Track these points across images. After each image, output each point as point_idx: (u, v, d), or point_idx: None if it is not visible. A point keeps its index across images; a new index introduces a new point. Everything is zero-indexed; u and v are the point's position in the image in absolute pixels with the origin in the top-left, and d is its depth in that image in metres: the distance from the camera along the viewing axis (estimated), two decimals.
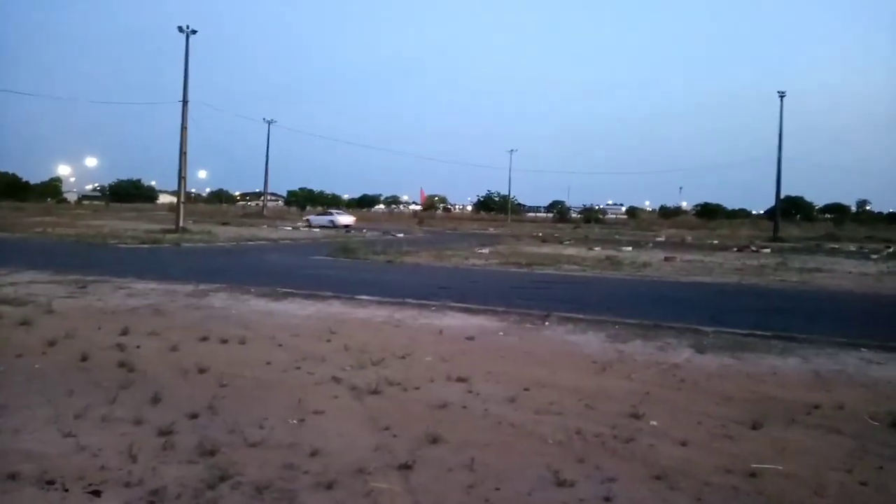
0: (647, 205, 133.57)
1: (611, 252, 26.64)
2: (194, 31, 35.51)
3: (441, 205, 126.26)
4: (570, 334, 9.01)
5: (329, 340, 8.01)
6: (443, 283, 14.85)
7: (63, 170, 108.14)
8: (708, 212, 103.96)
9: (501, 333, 8.94)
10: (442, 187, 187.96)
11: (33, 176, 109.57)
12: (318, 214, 53.22)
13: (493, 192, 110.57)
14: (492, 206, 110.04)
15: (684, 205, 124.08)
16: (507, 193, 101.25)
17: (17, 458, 3.99)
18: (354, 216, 56.16)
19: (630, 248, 30.53)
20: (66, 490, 3.60)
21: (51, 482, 3.68)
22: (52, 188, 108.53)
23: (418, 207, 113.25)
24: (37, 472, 3.79)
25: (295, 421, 4.95)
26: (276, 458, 4.16)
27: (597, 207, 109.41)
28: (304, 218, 52.51)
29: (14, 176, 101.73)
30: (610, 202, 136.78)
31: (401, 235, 39.68)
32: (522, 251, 26.67)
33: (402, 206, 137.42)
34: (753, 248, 32.58)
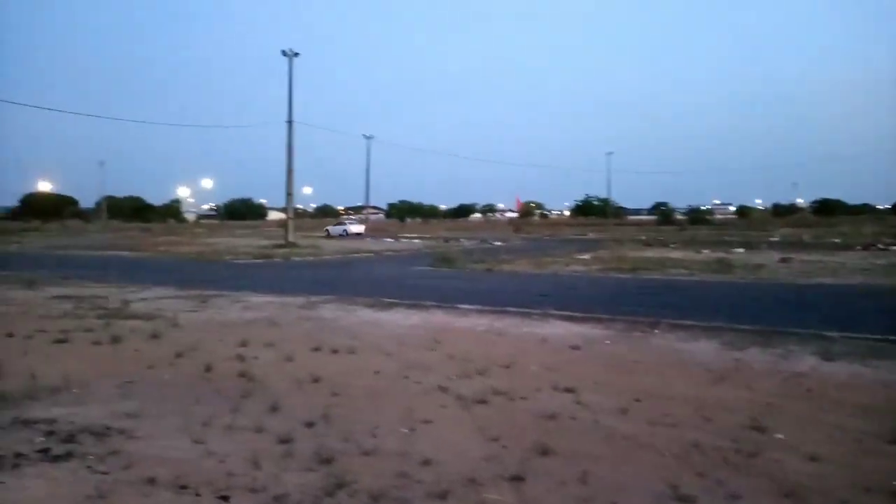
0: (759, 203, 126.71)
1: (721, 254, 25.36)
2: (297, 54, 37.27)
3: (537, 211, 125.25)
4: (681, 342, 8.65)
5: (433, 349, 8.11)
6: (544, 291, 14.67)
7: (182, 191, 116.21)
8: (826, 208, 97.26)
9: (608, 342, 8.72)
10: (538, 194, 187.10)
11: (156, 198, 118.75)
12: (335, 225, 58.39)
13: (591, 196, 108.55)
14: (590, 210, 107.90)
15: (799, 202, 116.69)
16: (605, 197, 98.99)
17: (154, 463, 4.30)
18: (448, 226, 57.15)
19: (742, 250, 28.97)
20: (198, 495, 3.83)
21: (184, 487, 3.93)
22: (172, 209, 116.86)
23: (514, 215, 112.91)
24: (171, 477, 4.06)
25: (405, 430, 5.04)
26: (389, 467, 4.24)
27: (703, 208, 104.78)
28: (325, 228, 57.61)
29: (140, 199, 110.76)
30: (717, 202, 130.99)
31: (498, 244, 39.66)
32: (626, 256, 25.90)
33: (497, 215, 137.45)
34: (880, 247, 29.98)
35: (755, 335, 8.85)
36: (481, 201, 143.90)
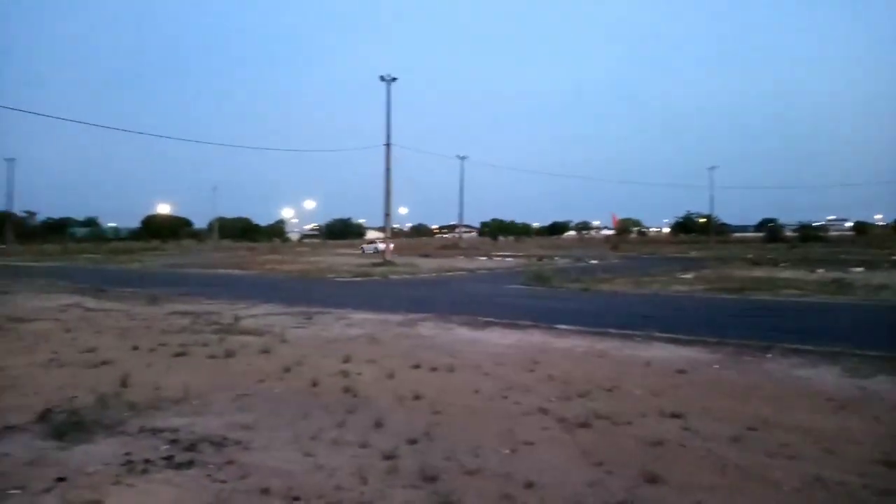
0: (879, 219, 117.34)
1: (838, 274, 23.70)
2: (394, 79, 38.35)
3: (635, 228, 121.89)
4: (797, 368, 8.13)
5: (532, 370, 8.03)
6: (645, 312, 14.23)
7: (286, 212, 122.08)
8: None
9: (716, 366, 8.32)
10: (634, 210, 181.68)
11: (263, 219, 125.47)
12: (367, 244, 66.26)
13: (692, 212, 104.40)
14: (691, 227, 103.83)
15: None
16: (708, 213, 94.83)
17: (268, 474, 4.50)
18: (541, 244, 57.15)
19: (861, 269, 26.95)
20: None
21: (296, 499, 4.09)
22: (277, 229, 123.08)
23: (611, 232, 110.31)
24: (284, 489, 4.23)
25: (507, 451, 5.01)
26: (492, 488, 4.24)
27: (816, 224, 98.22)
28: (360, 247, 65.57)
29: (248, 220, 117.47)
30: (831, 217, 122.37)
31: (594, 262, 38.89)
32: (732, 275, 24.70)
33: (593, 232, 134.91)
34: None
35: (881, 361, 8.19)
36: (575, 219, 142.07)
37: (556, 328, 11.54)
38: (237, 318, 13.01)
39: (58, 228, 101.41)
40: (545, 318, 12.71)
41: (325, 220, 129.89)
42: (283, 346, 9.94)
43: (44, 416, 5.90)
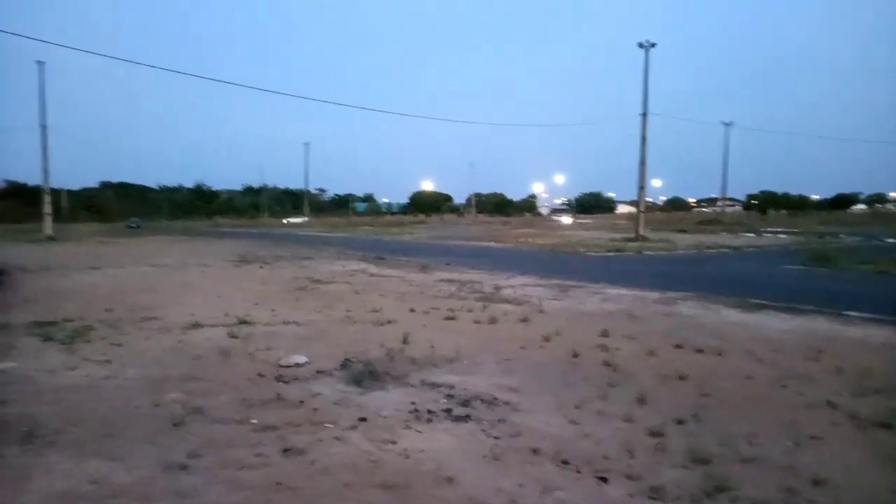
0: None
1: None
2: (653, 45, 36.51)
3: None
4: None
5: (817, 360, 7.22)
6: None
7: (537, 187, 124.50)
8: None
9: None
10: None
11: (515, 194, 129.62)
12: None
13: None
14: None
15: None
16: None
17: (537, 436, 4.74)
18: (822, 219, 50.14)
19: None
20: (579, 472, 4.11)
21: (565, 462, 4.26)
22: (529, 204, 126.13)
23: None
24: (553, 451, 4.43)
25: (790, 443, 4.62)
26: (772, 479, 3.96)
27: None
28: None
29: (502, 195, 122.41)
30: None
31: (891, 240, 33.18)
32: None
33: (890, 206, 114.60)
34: None
35: None
36: (866, 190, 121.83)
37: (846, 315, 10.17)
38: (497, 288, 13.72)
39: (342, 204, 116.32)
40: (830, 303, 11.25)
41: (574, 194, 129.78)
42: (541, 316, 10.25)
43: (344, 364, 6.90)
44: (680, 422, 5.05)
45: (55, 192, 51.25)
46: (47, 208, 41.49)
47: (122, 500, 3.70)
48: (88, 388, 6.06)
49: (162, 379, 6.35)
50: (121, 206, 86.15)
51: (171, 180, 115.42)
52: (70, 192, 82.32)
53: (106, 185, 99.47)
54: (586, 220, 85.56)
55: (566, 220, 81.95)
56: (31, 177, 66.98)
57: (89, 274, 17.14)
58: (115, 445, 4.54)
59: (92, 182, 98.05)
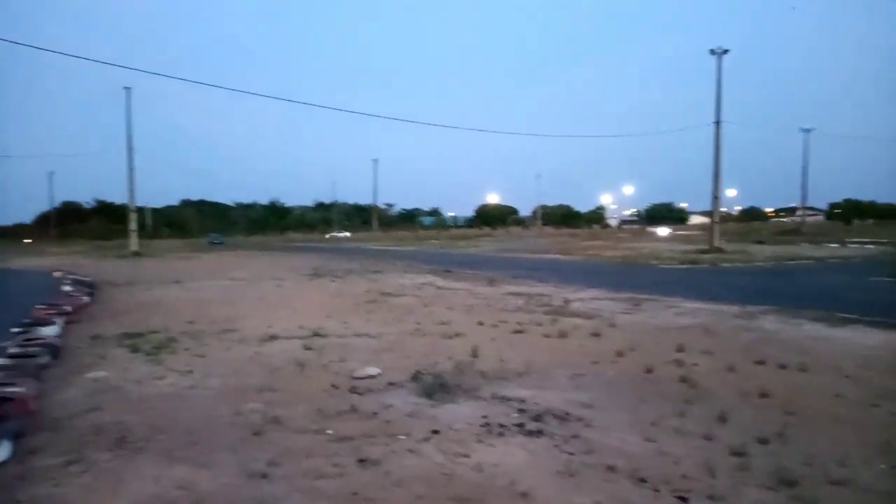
0: None
1: None
2: (726, 52, 35.41)
3: None
4: None
5: None
6: None
7: (605, 199, 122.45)
8: None
9: None
10: None
11: (582, 205, 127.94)
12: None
13: None
14: None
15: None
16: None
17: (612, 453, 4.65)
18: None
19: None
20: (657, 490, 4.00)
21: (642, 480, 4.16)
22: (596, 215, 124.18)
23: None
24: (629, 469, 4.34)
25: (883, 466, 4.37)
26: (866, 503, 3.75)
27: None
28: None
29: (568, 207, 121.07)
30: None
31: None
32: None
33: None
34: None
35: None
36: None
37: None
38: (566, 301, 13.55)
39: (409, 218, 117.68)
40: None
41: (644, 204, 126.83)
42: (613, 330, 10.05)
43: (415, 376, 6.97)
44: (763, 441, 4.84)
45: (140, 210, 54.05)
46: (133, 225, 43.78)
47: None
48: (173, 397, 6.36)
49: (241, 389, 6.59)
50: (200, 223, 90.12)
51: (246, 197, 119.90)
52: (154, 210, 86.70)
53: (186, 203, 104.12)
54: (684, 231, 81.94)
55: (661, 231, 75.75)
56: (117, 195, 71.09)
57: (172, 288, 17.99)
58: (200, 452, 4.73)
59: (173, 200, 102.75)
